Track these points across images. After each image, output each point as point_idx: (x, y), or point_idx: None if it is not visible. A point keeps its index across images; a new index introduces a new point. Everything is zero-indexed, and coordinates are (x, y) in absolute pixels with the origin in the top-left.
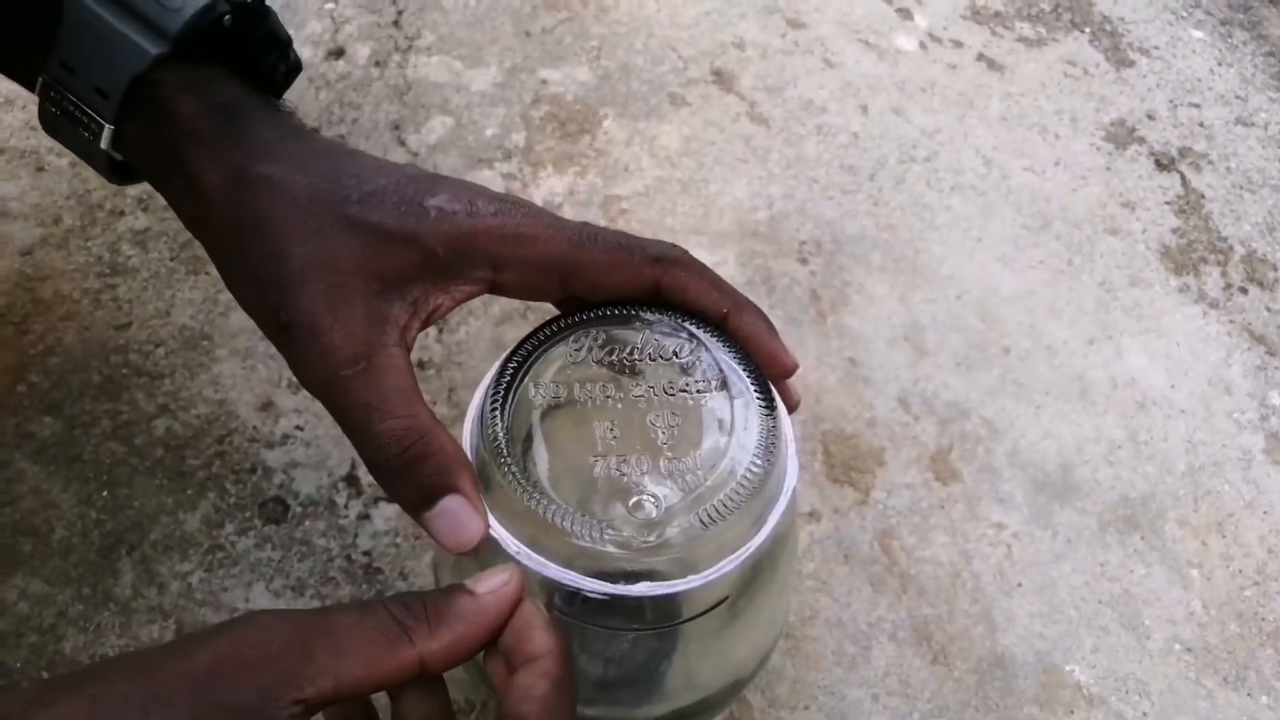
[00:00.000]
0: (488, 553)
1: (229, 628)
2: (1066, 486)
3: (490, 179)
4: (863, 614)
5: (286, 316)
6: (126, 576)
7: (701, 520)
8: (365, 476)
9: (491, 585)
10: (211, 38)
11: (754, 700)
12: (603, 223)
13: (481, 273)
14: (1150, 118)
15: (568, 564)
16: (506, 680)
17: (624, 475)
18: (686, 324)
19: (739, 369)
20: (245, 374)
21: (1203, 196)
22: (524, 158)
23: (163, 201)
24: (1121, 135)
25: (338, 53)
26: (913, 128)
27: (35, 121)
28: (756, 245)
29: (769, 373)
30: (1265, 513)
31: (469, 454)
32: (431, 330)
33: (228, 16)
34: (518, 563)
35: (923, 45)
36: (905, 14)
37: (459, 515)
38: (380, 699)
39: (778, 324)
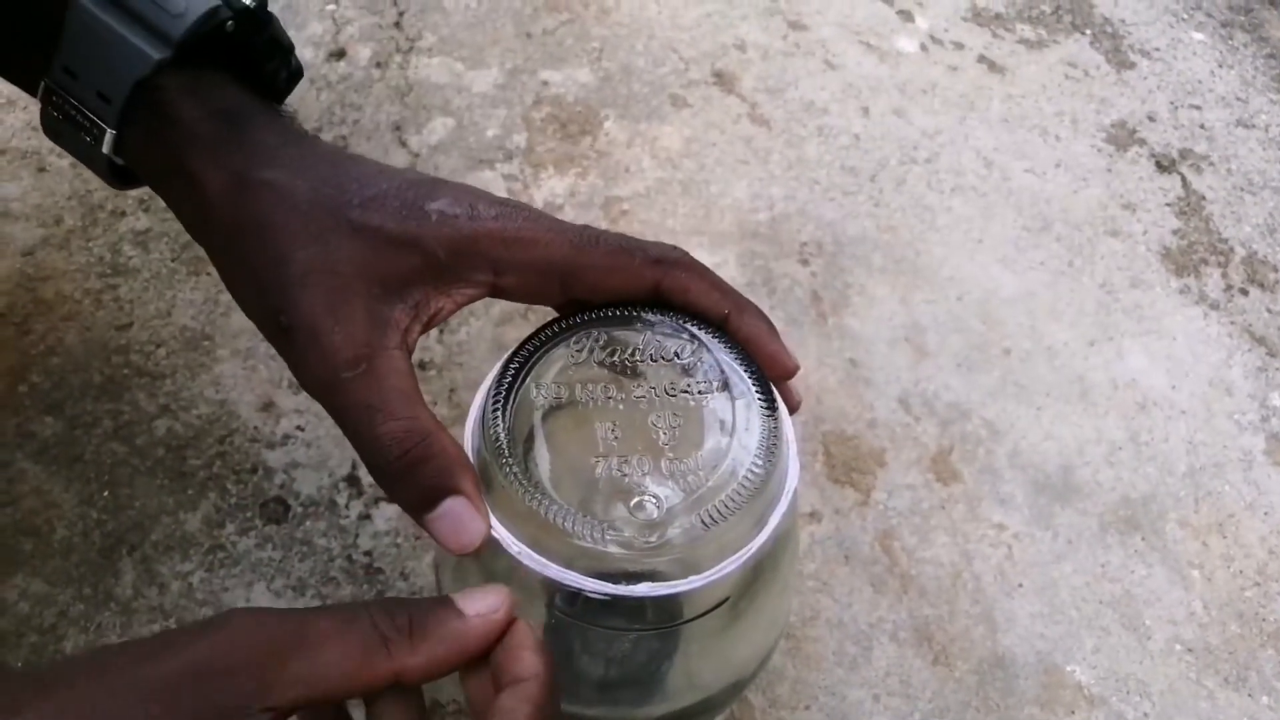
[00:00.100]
0: (489, 553)
1: (205, 631)
2: (1067, 487)
3: (491, 180)
4: (863, 614)
5: (287, 319)
6: (127, 576)
7: (703, 521)
8: (366, 477)
9: (481, 608)
10: (214, 43)
11: (755, 700)
12: (604, 224)
13: (482, 276)
14: (1151, 119)
15: (569, 564)
16: (485, 697)
17: (625, 476)
18: (688, 325)
19: (740, 370)
20: (246, 374)
21: (1203, 198)
22: (525, 159)
23: (164, 202)
24: (1122, 137)
25: (339, 54)
26: (914, 129)
27: (36, 122)
28: (757, 246)
29: (770, 374)
30: (1266, 514)
31: (470, 455)
32: (432, 331)
33: (231, 22)
34: (519, 562)
35: (924, 47)
36: (906, 16)
37: (461, 517)
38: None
39: (779, 325)
